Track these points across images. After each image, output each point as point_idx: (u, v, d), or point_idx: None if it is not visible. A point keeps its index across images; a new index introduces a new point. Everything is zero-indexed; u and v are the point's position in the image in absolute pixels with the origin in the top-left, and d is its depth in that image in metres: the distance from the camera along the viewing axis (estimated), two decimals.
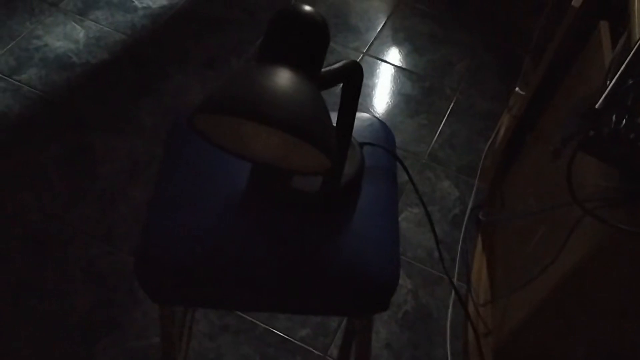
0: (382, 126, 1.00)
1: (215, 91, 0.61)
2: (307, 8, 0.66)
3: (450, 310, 1.54)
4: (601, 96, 0.87)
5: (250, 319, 1.49)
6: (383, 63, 2.11)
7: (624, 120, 0.86)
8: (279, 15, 0.66)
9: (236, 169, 0.90)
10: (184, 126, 0.95)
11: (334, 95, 1.94)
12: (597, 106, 0.86)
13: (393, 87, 2.04)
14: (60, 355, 1.41)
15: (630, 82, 0.88)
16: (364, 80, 2.05)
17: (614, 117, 0.86)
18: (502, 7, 2.34)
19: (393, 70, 2.09)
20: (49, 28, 2.09)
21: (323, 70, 0.72)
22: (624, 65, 0.90)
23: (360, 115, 1.00)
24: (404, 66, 2.11)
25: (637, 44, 0.91)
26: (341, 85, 0.78)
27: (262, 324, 1.48)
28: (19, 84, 1.92)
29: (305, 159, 0.70)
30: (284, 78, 0.62)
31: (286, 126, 0.58)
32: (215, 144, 0.71)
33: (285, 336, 1.47)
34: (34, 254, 1.56)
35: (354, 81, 0.77)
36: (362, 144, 0.94)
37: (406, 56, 2.14)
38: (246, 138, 0.71)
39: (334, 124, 0.85)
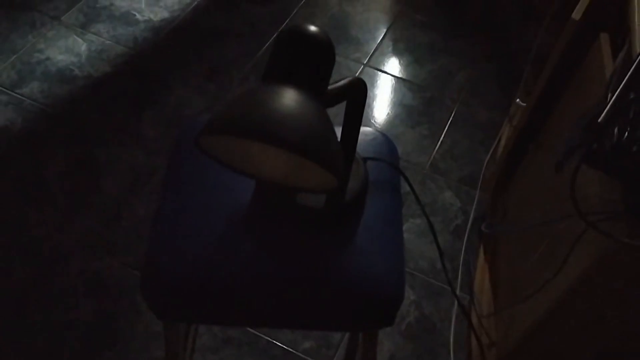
0: (385, 140, 1.00)
1: (222, 111, 0.62)
2: (313, 28, 0.67)
3: (453, 322, 1.54)
4: (603, 110, 0.87)
5: (253, 331, 1.49)
6: (383, 74, 2.12)
7: (626, 133, 0.86)
8: (285, 35, 0.67)
9: (240, 185, 0.90)
10: (188, 141, 0.96)
11: (334, 108, 1.95)
12: (599, 120, 0.87)
13: (394, 97, 2.05)
14: None
15: (632, 95, 0.88)
16: None
17: (616, 130, 0.86)
18: (502, 18, 2.35)
19: (393, 81, 2.10)
20: (51, 41, 2.10)
21: (328, 87, 0.72)
22: (625, 79, 0.90)
23: (363, 129, 1.01)
24: (404, 77, 2.11)
25: (639, 57, 0.92)
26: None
27: (265, 337, 1.48)
28: (21, 97, 1.92)
29: (311, 178, 0.70)
30: (290, 98, 0.62)
31: (293, 147, 0.59)
32: (221, 163, 0.71)
33: (289, 349, 1.47)
34: (36, 267, 1.56)
35: (358, 98, 0.77)
36: (365, 159, 0.94)
37: (406, 67, 2.15)
38: (253, 157, 0.71)
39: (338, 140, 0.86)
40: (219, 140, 0.67)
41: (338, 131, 0.96)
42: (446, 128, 1.97)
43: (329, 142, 0.62)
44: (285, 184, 0.73)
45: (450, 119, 2.00)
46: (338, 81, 0.74)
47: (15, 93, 1.93)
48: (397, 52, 2.19)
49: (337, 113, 1.96)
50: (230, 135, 0.60)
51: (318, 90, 0.67)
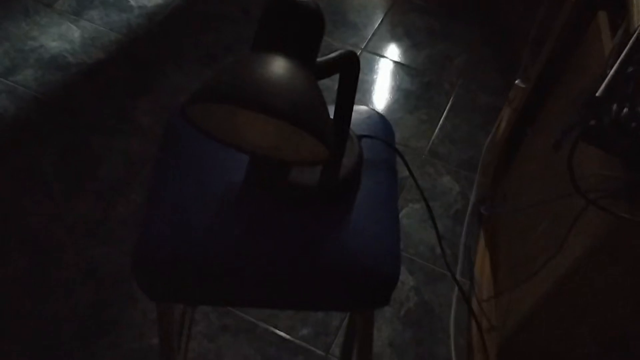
0: (380, 118, 0.98)
1: (210, 80, 0.60)
2: None
3: (453, 307, 1.53)
4: (601, 85, 0.86)
5: (250, 318, 1.48)
6: (382, 59, 2.10)
7: (625, 109, 0.85)
8: (273, 3, 0.65)
9: (233, 165, 0.88)
10: (179, 124, 0.94)
11: (332, 91, 1.93)
12: (597, 94, 0.85)
13: (392, 82, 2.03)
14: (59, 356, 1.40)
15: (630, 70, 0.87)
16: (363, 76, 2.04)
17: (614, 107, 0.85)
18: (500, 1, 2.33)
19: (392, 66, 2.08)
20: (44, 28, 2.08)
21: (319, 60, 0.70)
22: (623, 54, 0.89)
23: (358, 107, 0.99)
24: (402, 61, 2.09)
25: (636, 32, 0.90)
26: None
27: (262, 324, 1.47)
28: (14, 85, 1.91)
29: (301, 149, 0.69)
30: (279, 66, 0.61)
31: (282, 114, 0.57)
32: (209, 135, 0.70)
33: (286, 336, 1.45)
34: (32, 255, 1.55)
35: (351, 71, 0.75)
36: (360, 137, 0.92)
37: (405, 51, 2.13)
38: (241, 128, 0.70)
39: (332, 117, 0.84)
40: (206, 110, 0.66)
41: (331, 109, 0.95)
42: (445, 112, 1.95)
43: (317, 110, 0.60)
44: (275, 155, 0.71)
45: (449, 103, 1.98)
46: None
47: (9, 81, 1.91)
48: (395, 37, 2.17)
49: (332, 99, 1.94)
50: (217, 103, 0.58)
51: (307, 59, 0.65)
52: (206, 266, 0.81)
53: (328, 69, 0.71)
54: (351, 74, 0.76)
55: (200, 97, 0.59)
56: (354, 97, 0.80)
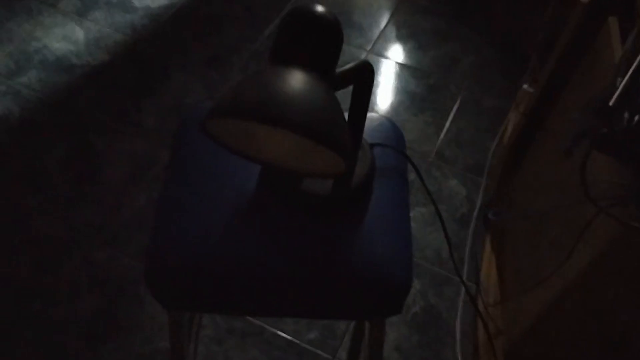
0: (391, 126, 0.98)
1: (229, 94, 0.60)
2: (320, 8, 0.64)
3: (459, 311, 1.53)
4: (614, 94, 0.86)
5: (257, 322, 1.47)
6: (387, 60, 2.09)
7: (637, 117, 0.85)
8: (291, 15, 0.65)
9: (245, 171, 0.88)
10: (190, 127, 0.94)
11: (338, 94, 1.93)
12: (610, 103, 0.85)
13: (397, 84, 2.02)
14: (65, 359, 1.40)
15: None
16: None
17: (626, 115, 0.85)
18: (506, 3, 2.32)
19: (397, 68, 2.07)
20: (48, 29, 2.07)
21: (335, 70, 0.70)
22: (635, 63, 0.89)
23: (370, 115, 0.99)
24: (408, 63, 2.09)
25: None
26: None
27: (269, 327, 1.47)
28: (19, 86, 1.90)
29: (319, 162, 0.68)
30: (298, 80, 0.60)
31: (302, 129, 0.57)
32: (227, 147, 0.70)
33: (293, 339, 1.45)
34: (37, 258, 1.55)
35: (366, 82, 0.75)
36: (372, 145, 0.92)
37: (410, 53, 2.12)
38: (259, 141, 0.69)
39: None
40: (225, 124, 0.65)
41: (345, 116, 0.94)
42: (451, 115, 1.95)
43: (337, 125, 0.60)
44: (292, 168, 0.71)
45: (456, 106, 1.98)
46: (345, 65, 0.72)
47: (13, 82, 1.91)
48: (400, 39, 2.17)
49: (342, 99, 1.94)
50: (236, 118, 0.58)
51: (325, 72, 0.64)
52: (218, 276, 0.80)
53: (343, 80, 0.71)
54: (365, 85, 0.76)
55: (220, 112, 0.59)
56: (367, 107, 0.80)
